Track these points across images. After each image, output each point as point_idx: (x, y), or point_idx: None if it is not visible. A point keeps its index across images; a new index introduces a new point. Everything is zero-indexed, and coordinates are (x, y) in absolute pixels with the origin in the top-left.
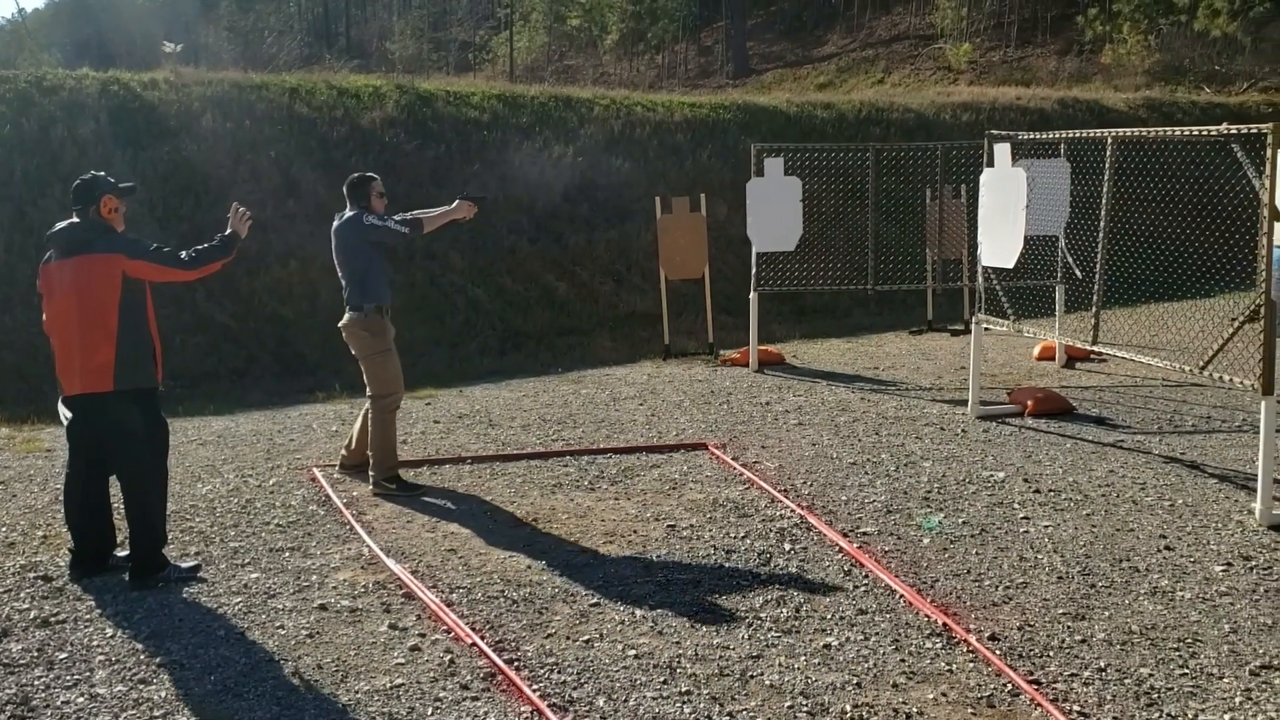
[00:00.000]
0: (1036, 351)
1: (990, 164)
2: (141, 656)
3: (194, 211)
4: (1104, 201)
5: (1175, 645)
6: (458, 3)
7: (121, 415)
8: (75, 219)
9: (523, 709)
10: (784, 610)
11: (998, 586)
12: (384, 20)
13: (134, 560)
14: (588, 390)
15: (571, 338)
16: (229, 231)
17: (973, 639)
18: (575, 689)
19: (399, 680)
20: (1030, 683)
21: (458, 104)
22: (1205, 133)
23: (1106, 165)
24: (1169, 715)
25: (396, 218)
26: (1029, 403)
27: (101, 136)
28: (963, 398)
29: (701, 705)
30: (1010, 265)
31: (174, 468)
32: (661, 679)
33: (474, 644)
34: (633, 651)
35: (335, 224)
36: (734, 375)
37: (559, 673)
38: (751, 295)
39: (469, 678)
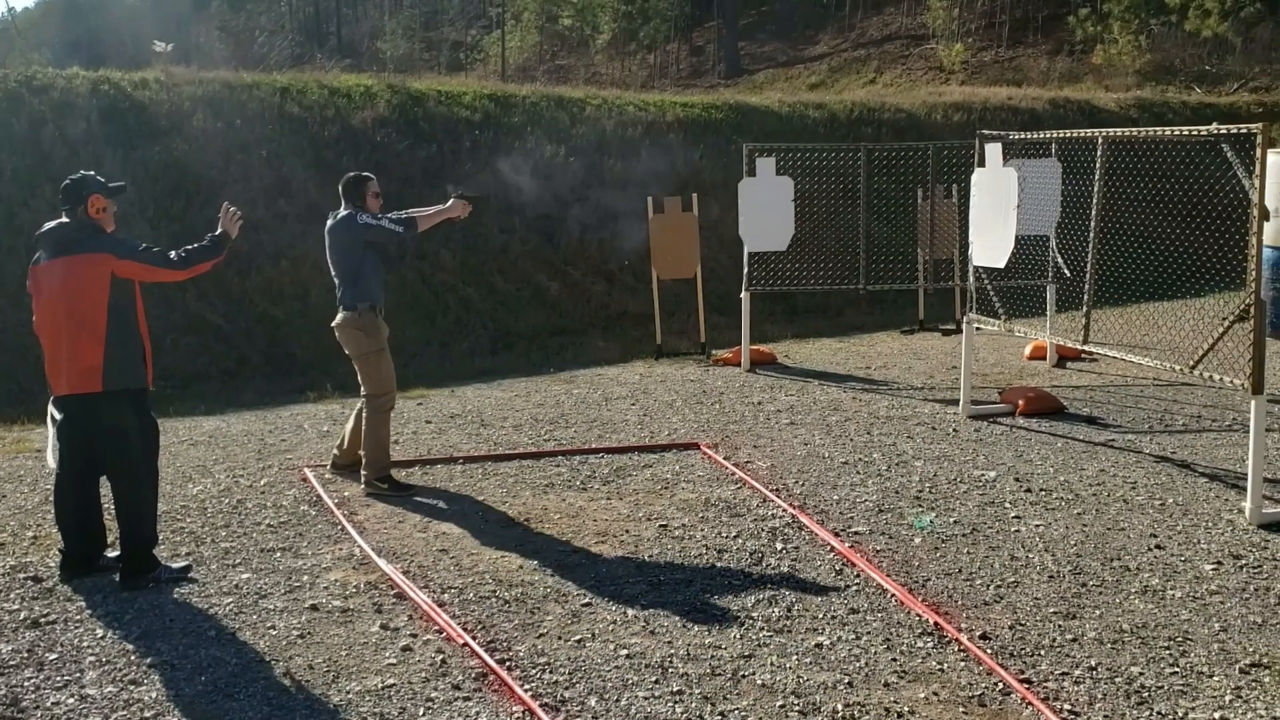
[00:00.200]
0: (1028, 351)
1: (981, 164)
2: (132, 657)
3: (185, 211)
4: (1095, 201)
5: (1166, 644)
6: (449, 2)
7: (112, 416)
8: (64, 219)
9: (514, 709)
10: (776, 609)
11: (989, 586)
12: (375, 20)
13: (125, 561)
14: (580, 390)
15: (563, 337)
16: (219, 231)
17: (964, 638)
18: (567, 689)
19: (390, 680)
20: (1021, 681)
21: (449, 103)
22: (1195, 133)
23: (1097, 165)
24: (1159, 714)
25: (391, 216)
26: (1020, 402)
27: (92, 136)
28: (954, 397)
29: (693, 705)
30: (1001, 265)
31: (165, 468)
32: (653, 678)
33: (466, 644)
34: (625, 651)
35: (329, 223)
36: (726, 375)
37: (551, 672)
38: (743, 295)
39: (461, 678)
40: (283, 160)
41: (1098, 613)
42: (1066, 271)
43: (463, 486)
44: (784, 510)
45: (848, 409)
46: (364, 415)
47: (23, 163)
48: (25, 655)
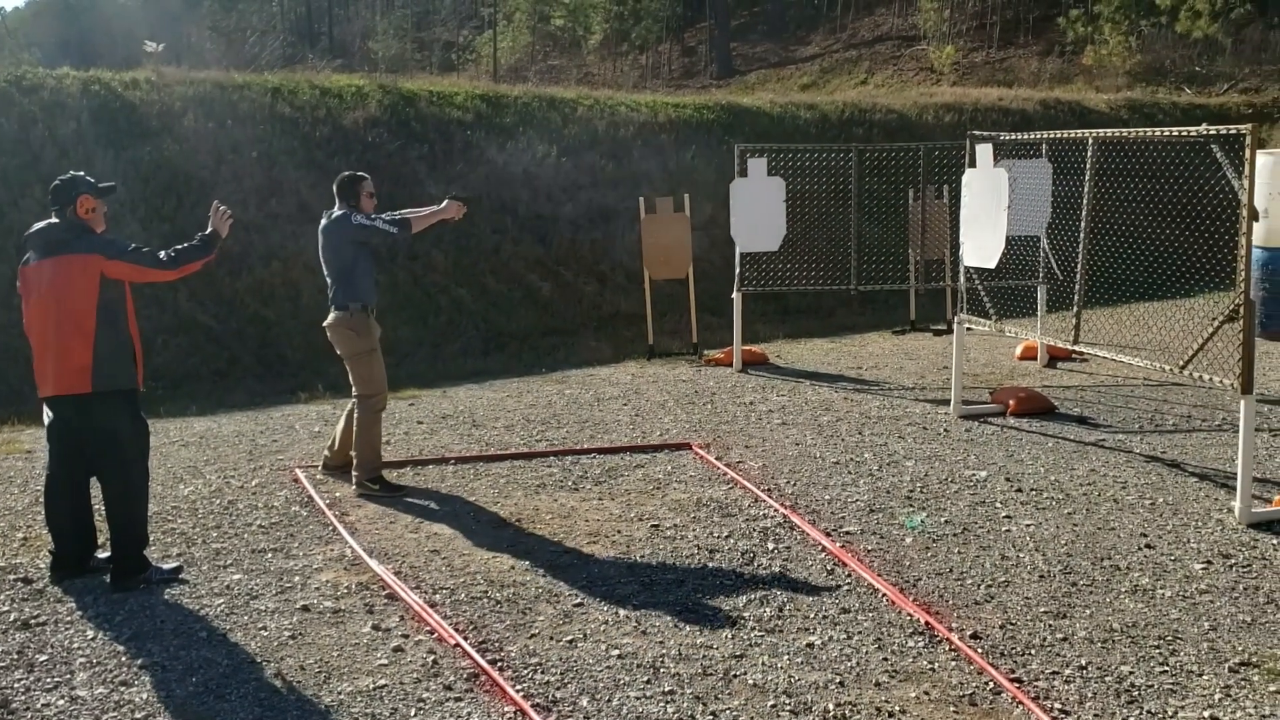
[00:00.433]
0: (1018, 351)
1: (972, 164)
2: (123, 658)
3: (176, 211)
4: (1085, 202)
5: (1155, 643)
6: (441, 2)
7: (102, 417)
8: (54, 219)
9: (506, 709)
10: (767, 609)
11: (980, 585)
12: (367, 20)
13: (115, 562)
14: (572, 390)
15: (555, 338)
16: (209, 231)
17: (955, 637)
18: (559, 689)
19: (382, 681)
20: (1012, 681)
21: (441, 104)
22: (1185, 134)
23: (1088, 166)
24: (1149, 712)
25: (385, 217)
26: (1011, 402)
27: (82, 136)
28: (945, 397)
29: (685, 704)
30: (992, 265)
31: (156, 469)
32: (645, 678)
33: (457, 645)
34: (616, 651)
35: (323, 223)
36: (718, 375)
37: (542, 673)
38: (735, 295)
39: (452, 678)
40: (274, 160)
41: (1088, 612)
42: (1059, 272)
43: (454, 487)
44: (775, 510)
45: (839, 409)
46: (356, 415)
47: (12, 163)
48: (15, 657)
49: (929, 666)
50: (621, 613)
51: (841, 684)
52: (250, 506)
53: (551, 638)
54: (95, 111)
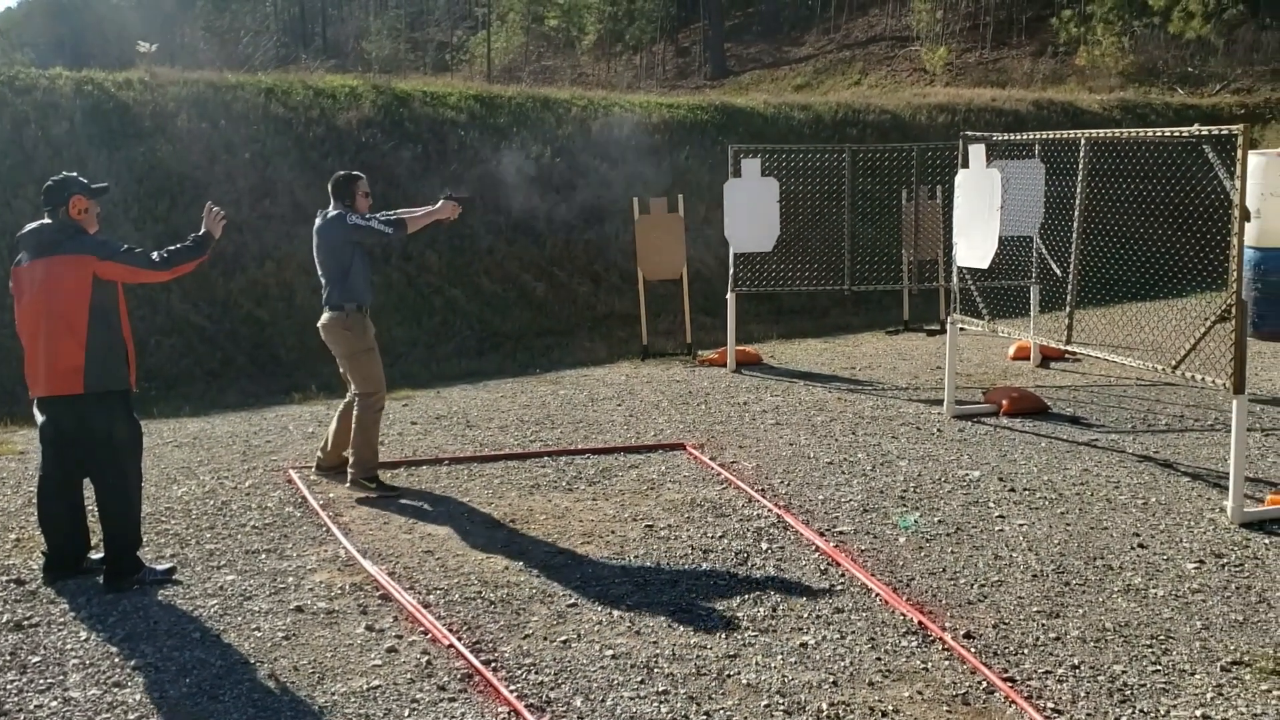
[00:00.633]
0: (1011, 351)
1: (965, 165)
2: (116, 659)
3: (169, 212)
4: (1078, 202)
5: (1148, 642)
6: (435, 3)
7: (94, 418)
8: (46, 220)
9: (500, 709)
10: (761, 609)
11: (973, 585)
12: (360, 20)
13: (109, 563)
14: (566, 391)
15: (549, 338)
16: (203, 231)
17: (948, 637)
18: (552, 689)
19: (376, 682)
20: (1005, 680)
21: (435, 104)
22: (1177, 134)
23: (1080, 166)
24: (1142, 711)
25: (380, 217)
26: (1004, 402)
27: (76, 137)
28: (938, 397)
29: (679, 705)
30: (985, 266)
31: (149, 470)
32: (639, 679)
33: (451, 645)
34: (610, 651)
35: (318, 222)
36: (712, 375)
37: (536, 673)
38: (729, 295)
39: (446, 679)
40: (267, 161)
41: (1081, 611)
42: (1057, 270)
43: (448, 488)
44: (769, 510)
45: (833, 409)
46: (355, 414)
47: (5, 164)
48: (8, 658)
49: (922, 666)
50: (615, 613)
51: (835, 684)
52: (244, 507)
53: (545, 638)
54: (88, 112)
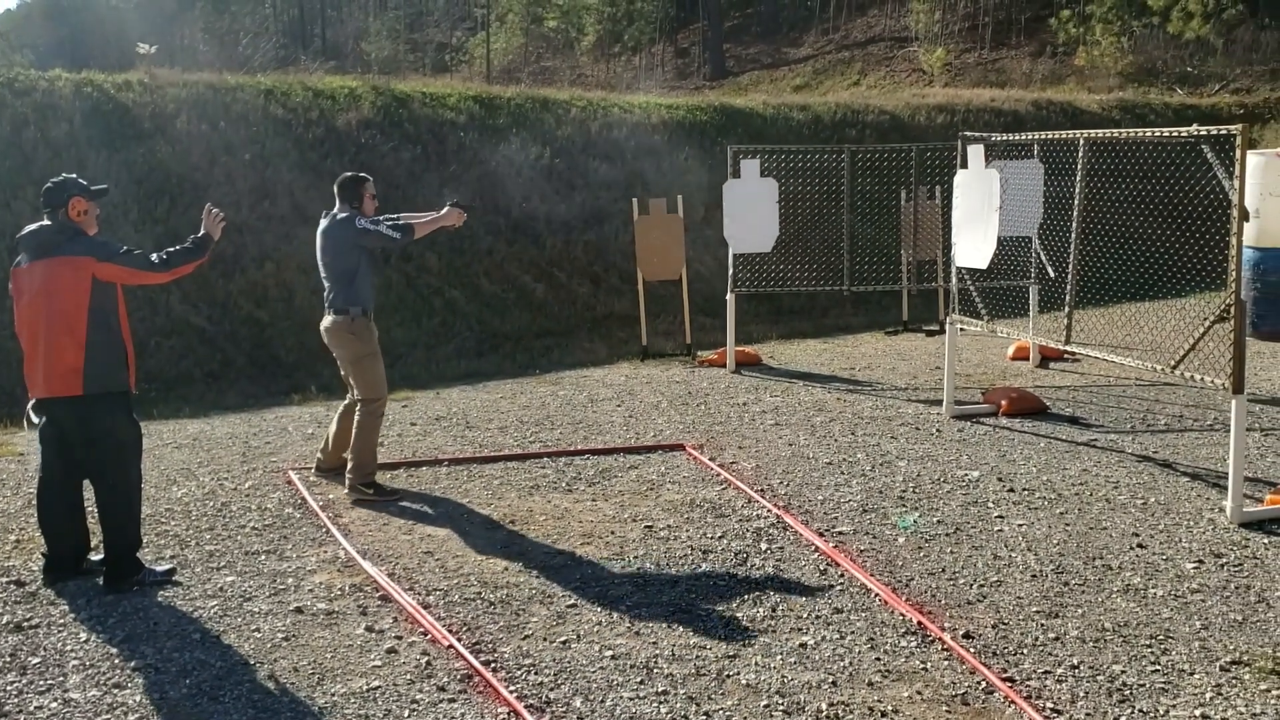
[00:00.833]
0: (1010, 351)
1: (964, 165)
2: (116, 661)
3: (169, 214)
4: (1077, 202)
5: (1147, 642)
6: (434, 4)
7: (94, 419)
8: (45, 221)
9: (499, 710)
10: (760, 610)
11: (972, 585)
12: (360, 21)
13: (109, 564)
14: (565, 392)
15: (549, 339)
16: (202, 233)
17: (947, 637)
18: (552, 690)
19: (375, 683)
20: (1004, 680)
21: (434, 105)
22: (1176, 134)
23: (1079, 166)
24: (1141, 711)
25: (387, 222)
26: (1003, 402)
27: (75, 138)
28: (938, 398)
29: (678, 705)
30: (984, 266)
31: (149, 471)
32: (638, 679)
33: (451, 646)
34: (610, 652)
35: (324, 224)
36: (711, 376)
37: (536, 674)
38: (729, 296)
39: (446, 679)
40: (267, 162)
41: (1080, 611)
42: (1052, 272)
43: (448, 489)
44: (769, 511)
45: (832, 409)
46: (357, 418)
47: (5, 165)
48: (8, 659)
49: (921, 666)
50: (615, 614)
51: (834, 684)
52: (244, 508)
53: (545, 639)
54: (88, 113)
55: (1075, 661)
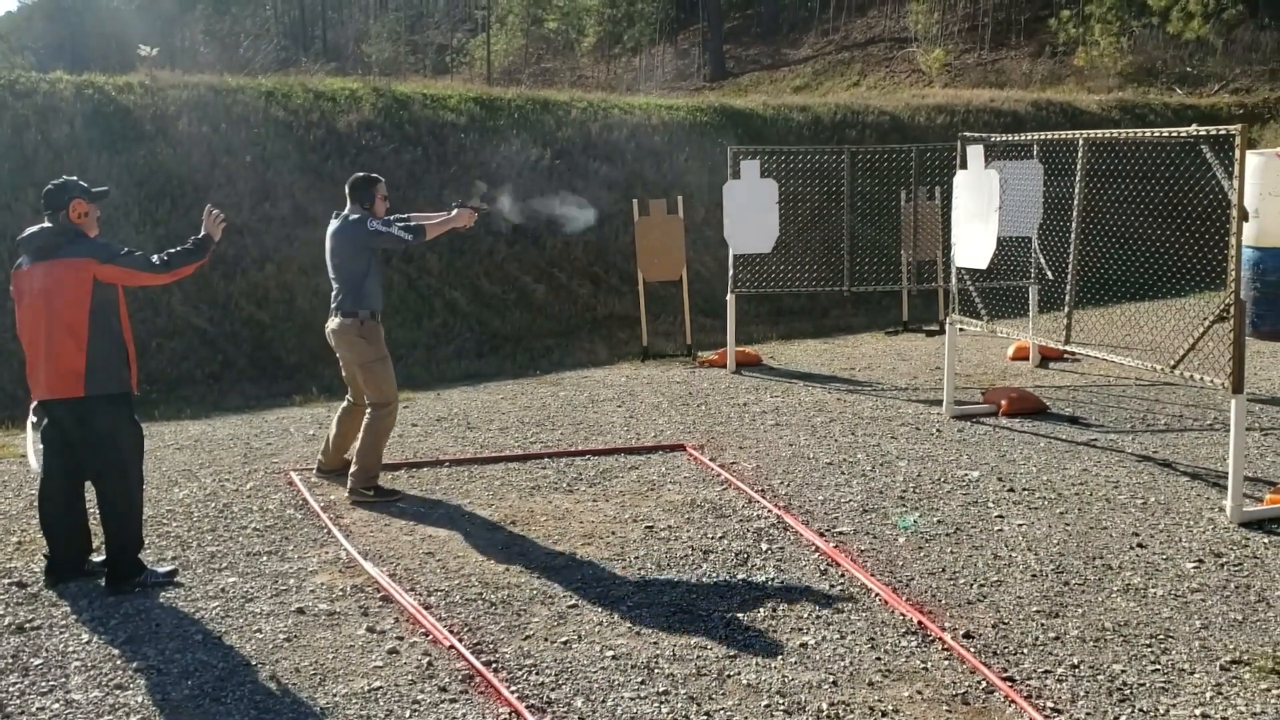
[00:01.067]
0: (1010, 351)
1: (964, 166)
2: (118, 662)
3: (170, 215)
4: (1076, 202)
5: (1147, 641)
6: (434, 5)
7: (96, 421)
8: (46, 224)
9: (501, 710)
10: (761, 610)
11: (972, 585)
12: (360, 23)
13: (110, 565)
14: (566, 392)
15: (549, 340)
16: (202, 234)
17: (948, 637)
18: (553, 690)
19: (377, 683)
20: (1004, 680)
21: (434, 106)
22: (1175, 134)
23: (1079, 166)
24: (1141, 711)
25: (399, 224)
26: (1003, 402)
27: (76, 140)
28: (938, 398)
29: (679, 705)
30: (984, 266)
31: (150, 472)
32: (639, 679)
33: (452, 646)
34: (610, 652)
35: (334, 225)
36: (712, 376)
37: (537, 674)
38: (729, 297)
39: (447, 680)
40: (268, 164)
41: (1080, 611)
42: (1049, 274)
43: (449, 489)
44: (769, 511)
45: (832, 410)
46: (365, 422)
47: (6, 167)
48: (10, 661)
49: (922, 666)
50: (616, 614)
51: (835, 684)
52: (245, 509)
53: (546, 639)
54: (89, 115)
55: (1075, 661)
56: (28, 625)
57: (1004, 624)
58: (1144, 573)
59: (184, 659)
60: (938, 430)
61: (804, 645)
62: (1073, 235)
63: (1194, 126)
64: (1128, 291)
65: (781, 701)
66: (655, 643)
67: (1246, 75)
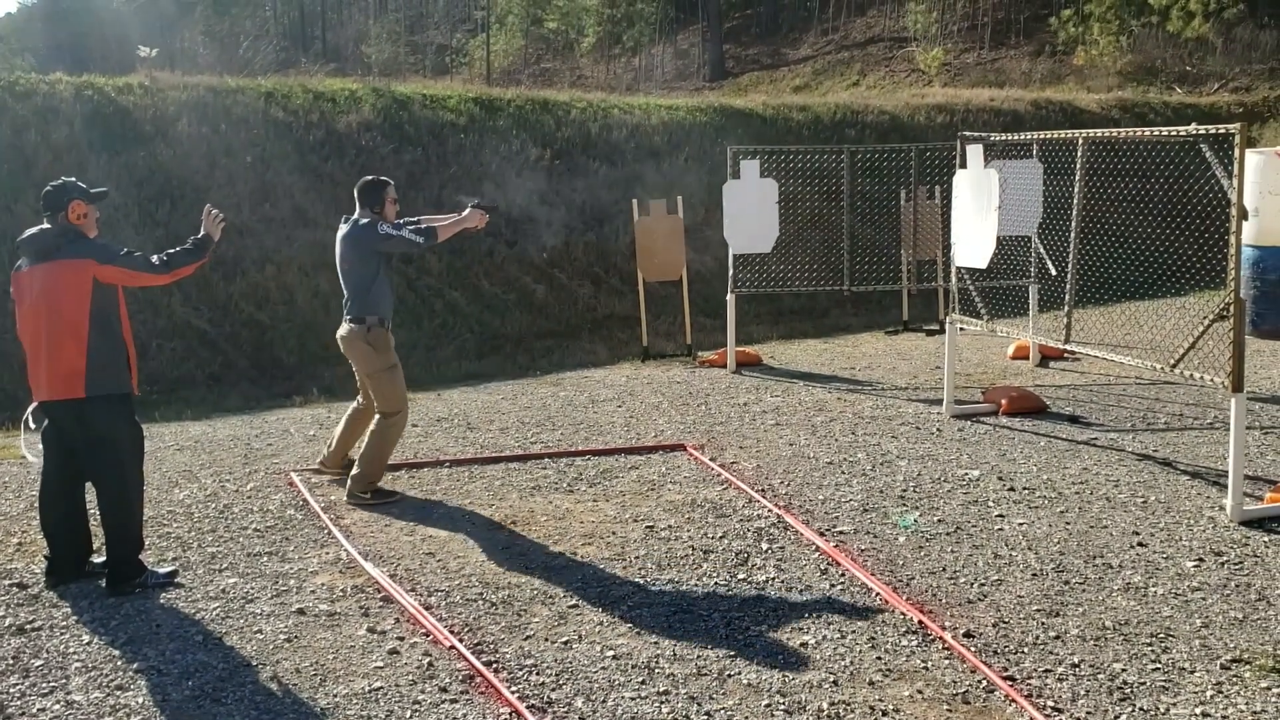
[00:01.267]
0: (1010, 351)
1: (963, 165)
2: (118, 663)
3: (170, 216)
4: (1076, 201)
5: (1148, 640)
6: (434, 6)
7: (96, 422)
8: (46, 225)
9: (501, 711)
10: (761, 609)
11: (973, 584)
12: (360, 24)
13: (111, 566)
14: (566, 393)
15: (549, 340)
16: (202, 234)
17: (948, 636)
18: (554, 690)
19: (377, 683)
20: (1005, 679)
21: (434, 107)
22: (1175, 133)
23: (1078, 166)
24: (1141, 709)
25: (410, 227)
26: (1003, 402)
27: (76, 141)
28: (938, 397)
29: (679, 705)
30: (984, 265)
31: (151, 473)
32: (640, 679)
33: (452, 646)
34: (611, 652)
35: (343, 229)
36: (712, 376)
37: (537, 674)
38: (729, 297)
39: (448, 680)
40: (268, 165)
41: (1081, 610)
42: (1053, 270)
43: (449, 490)
44: (769, 510)
45: (832, 409)
46: (373, 428)
47: (5, 169)
48: (10, 662)
49: (922, 665)
50: (616, 614)
51: (835, 683)
52: (245, 510)
53: (546, 639)
54: (89, 116)
55: (1076, 660)
56: (28, 626)
57: (1004, 623)
58: (1144, 571)
59: (184, 660)
60: (938, 430)
61: (804, 645)
62: (1072, 234)
63: (1194, 125)
64: (1128, 290)
65: (782, 701)
66: (655, 642)
67: (1246, 74)
